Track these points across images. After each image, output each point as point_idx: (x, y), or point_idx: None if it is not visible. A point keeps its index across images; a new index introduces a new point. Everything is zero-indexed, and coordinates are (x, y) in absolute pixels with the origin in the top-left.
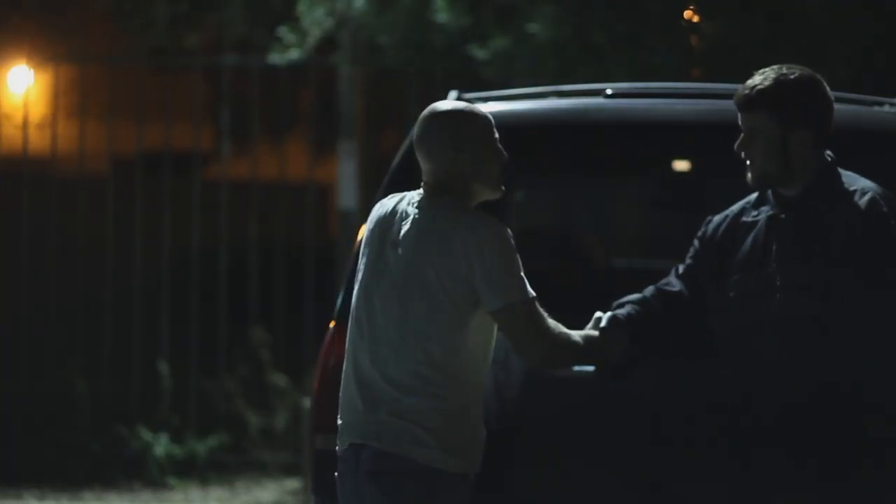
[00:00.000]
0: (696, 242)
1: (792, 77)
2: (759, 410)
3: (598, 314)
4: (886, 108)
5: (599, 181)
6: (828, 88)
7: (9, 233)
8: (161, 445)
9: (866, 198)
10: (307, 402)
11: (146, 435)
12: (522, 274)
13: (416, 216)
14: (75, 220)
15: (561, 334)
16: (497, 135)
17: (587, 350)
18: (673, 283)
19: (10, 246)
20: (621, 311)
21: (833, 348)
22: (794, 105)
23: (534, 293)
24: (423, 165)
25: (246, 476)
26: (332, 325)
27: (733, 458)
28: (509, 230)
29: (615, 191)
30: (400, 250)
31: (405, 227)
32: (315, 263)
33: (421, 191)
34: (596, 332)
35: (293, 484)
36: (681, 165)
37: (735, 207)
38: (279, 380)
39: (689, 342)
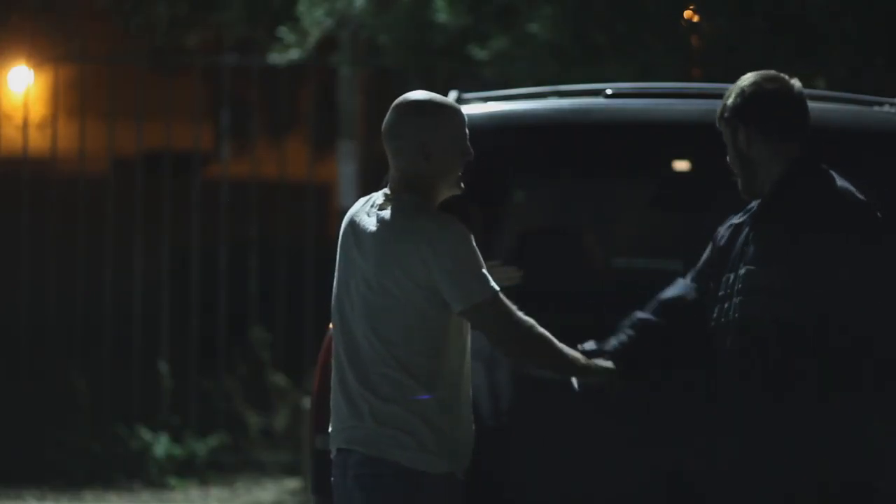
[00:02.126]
0: (709, 246)
1: (735, 84)
2: (724, 411)
3: (581, 347)
4: (886, 108)
5: (599, 181)
6: (778, 84)
7: (9, 233)
8: (161, 445)
9: (833, 200)
10: (307, 402)
11: (146, 435)
12: (484, 270)
13: (377, 220)
14: (75, 220)
15: (533, 327)
16: (467, 131)
17: (564, 357)
18: (688, 291)
19: (10, 246)
20: (612, 344)
21: (792, 353)
22: (730, 108)
23: (497, 287)
24: (390, 160)
25: (246, 476)
26: (331, 325)
27: (711, 459)
28: (467, 228)
29: (615, 191)
30: (363, 256)
31: (367, 232)
32: (315, 263)
33: (386, 189)
34: (580, 356)
35: (293, 484)
36: (681, 165)
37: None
38: (279, 380)
39: (687, 351)
